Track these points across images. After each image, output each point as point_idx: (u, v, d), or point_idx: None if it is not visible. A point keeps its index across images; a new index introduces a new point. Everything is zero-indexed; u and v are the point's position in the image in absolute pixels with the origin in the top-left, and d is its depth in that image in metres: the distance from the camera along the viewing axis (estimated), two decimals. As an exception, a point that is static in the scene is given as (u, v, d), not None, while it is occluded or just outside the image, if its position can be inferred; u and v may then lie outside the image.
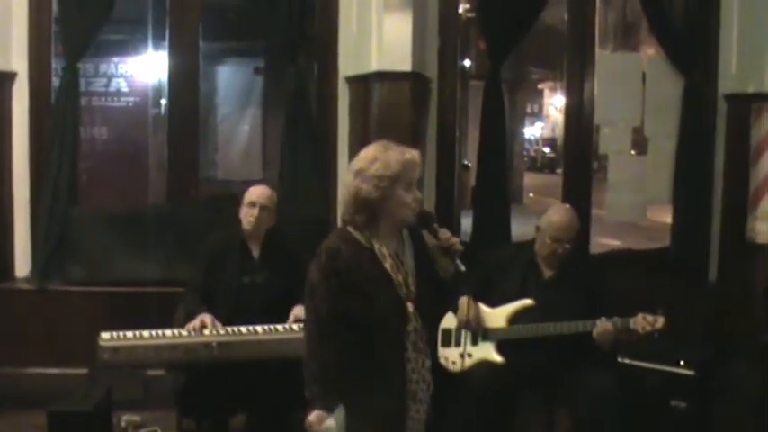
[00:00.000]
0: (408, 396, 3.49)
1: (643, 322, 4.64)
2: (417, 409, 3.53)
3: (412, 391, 3.50)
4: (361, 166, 3.44)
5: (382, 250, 3.46)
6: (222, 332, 4.88)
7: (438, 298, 3.64)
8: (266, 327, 4.97)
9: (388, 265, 3.46)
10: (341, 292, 3.39)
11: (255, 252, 5.27)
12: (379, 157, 3.43)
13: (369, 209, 3.43)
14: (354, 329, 3.40)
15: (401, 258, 3.52)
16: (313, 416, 3.40)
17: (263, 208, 5.19)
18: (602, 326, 4.71)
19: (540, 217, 5.17)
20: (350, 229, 3.49)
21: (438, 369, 5.04)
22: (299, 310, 5.06)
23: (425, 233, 3.58)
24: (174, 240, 6.11)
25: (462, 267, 3.44)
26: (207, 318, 4.94)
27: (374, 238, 3.47)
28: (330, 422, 3.35)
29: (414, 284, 3.50)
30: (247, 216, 5.19)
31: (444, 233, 3.50)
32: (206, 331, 4.88)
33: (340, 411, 3.37)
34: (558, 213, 5.09)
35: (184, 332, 4.90)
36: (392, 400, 3.45)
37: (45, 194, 6.28)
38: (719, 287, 6.41)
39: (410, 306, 3.48)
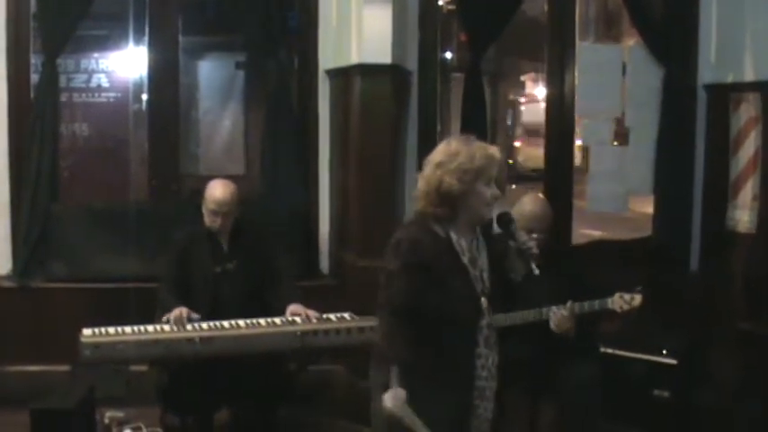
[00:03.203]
0: (476, 393, 3.49)
1: (620, 301, 4.64)
2: (485, 407, 3.53)
3: (480, 388, 3.50)
4: (442, 158, 3.45)
5: (461, 243, 3.46)
6: (205, 327, 4.88)
7: (506, 297, 3.64)
8: (249, 321, 4.98)
9: (465, 258, 3.46)
10: (420, 282, 3.38)
11: (224, 243, 5.30)
12: (462, 150, 3.44)
13: (450, 201, 3.42)
14: (428, 321, 3.38)
15: (476, 254, 3.51)
16: (390, 395, 3.29)
17: (225, 214, 5.20)
18: (556, 315, 4.71)
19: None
20: (429, 220, 3.48)
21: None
22: (294, 308, 5.07)
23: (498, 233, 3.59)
24: (156, 236, 6.08)
25: (537, 271, 3.48)
26: (184, 310, 4.95)
27: (452, 230, 3.46)
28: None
29: (488, 280, 3.51)
30: (211, 222, 5.23)
31: (522, 236, 3.54)
32: (188, 326, 4.88)
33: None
34: (530, 203, 5.08)
35: (167, 328, 4.89)
36: (460, 395, 3.45)
37: (25, 191, 6.24)
38: (701, 276, 6.43)
39: (484, 301, 3.48)
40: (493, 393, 3.56)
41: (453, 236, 3.45)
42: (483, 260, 3.53)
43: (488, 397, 3.53)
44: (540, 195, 5.26)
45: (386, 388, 3.32)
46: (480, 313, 3.47)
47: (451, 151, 3.44)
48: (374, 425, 3.57)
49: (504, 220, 3.58)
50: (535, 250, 3.51)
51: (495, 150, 3.46)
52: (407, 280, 3.37)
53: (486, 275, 3.51)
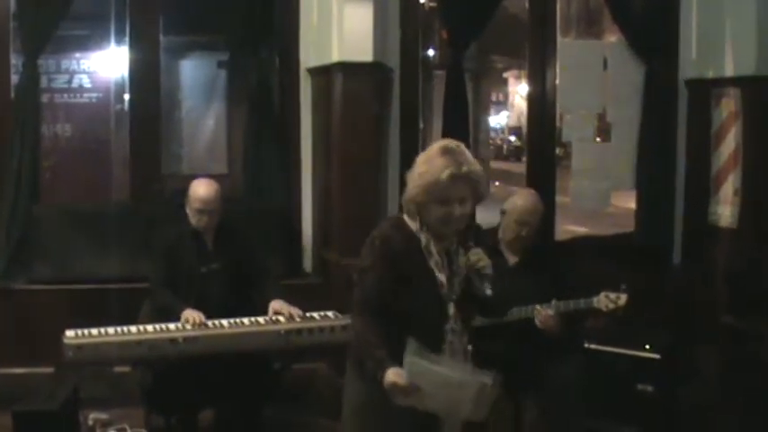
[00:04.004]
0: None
1: (606, 300, 4.67)
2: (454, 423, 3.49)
3: None
4: (418, 160, 3.42)
5: (429, 246, 3.41)
6: (188, 327, 4.87)
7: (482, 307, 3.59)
8: (232, 320, 4.97)
9: (432, 261, 3.41)
10: (390, 277, 3.36)
11: (209, 242, 5.30)
12: (422, 161, 3.39)
13: (414, 208, 3.40)
14: (395, 320, 3.35)
15: (453, 259, 3.46)
16: (391, 375, 3.21)
17: (210, 212, 5.20)
18: (541, 313, 4.73)
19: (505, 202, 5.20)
20: (406, 217, 3.46)
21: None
22: (276, 305, 5.07)
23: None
24: (139, 236, 6.06)
25: (488, 292, 3.37)
26: (194, 313, 4.94)
27: (425, 232, 3.42)
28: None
29: (460, 287, 3.45)
30: (197, 220, 5.24)
31: (474, 255, 3.40)
32: (171, 326, 4.87)
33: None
34: (522, 197, 5.14)
35: (150, 328, 4.88)
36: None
37: (6, 193, 6.21)
38: (683, 271, 6.46)
39: (451, 307, 3.43)
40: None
41: (423, 238, 3.41)
42: (457, 266, 3.46)
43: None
44: (532, 190, 5.29)
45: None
46: (445, 318, 3.42)
47: (420, 159, 3.41)
48: (344, 415, 3.58)
49: (461, 236, 3.48)
50: (488, 270, 3.41)
51: (463, 171, 3.31)
52: (379, 275, 3.37)
53: (458, 281, 3.45)
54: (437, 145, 3.42)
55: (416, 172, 3.37)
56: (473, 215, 3.64)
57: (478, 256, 3.38)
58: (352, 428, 3.56)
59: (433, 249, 3.41)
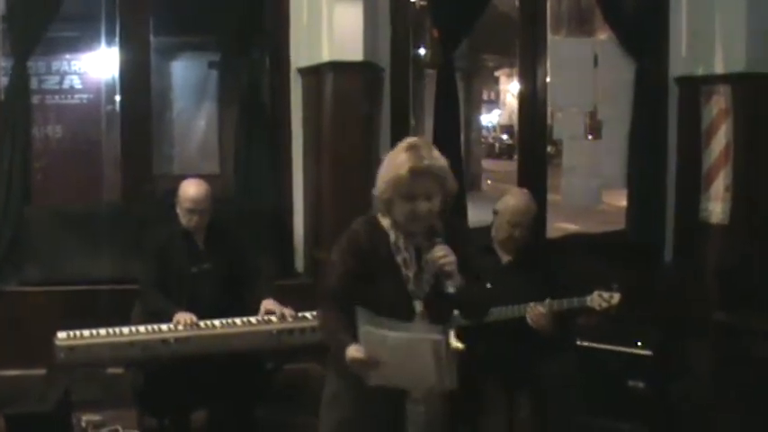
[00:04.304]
0: (407, 395, 3.44)
1: (599, 299, 4.68)
2: (419, 412, 3.46)
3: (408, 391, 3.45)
4: (385, 158, 3.43)
5: (398, 243, 3.43)
6: (180, 328, 4.86)
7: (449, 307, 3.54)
8: (224, 321, 4.96)
9: (400, 257, 3.42)
10: (356, 273, 3.40)
11: (200, 242, 5.29)
12: (388, 158, 3.40)
13: (383, 204, 3.41)
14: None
15: (423, 257, 3.43)
16: (351, 352, 3.27)
17: (201, 211, 5.19)
18: (533, 310, 4.74)
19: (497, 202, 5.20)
20: (378, 214, 3.48)
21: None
22: (269, 304, 5.07)
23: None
24: (130, 237, 6.05)
25: (450, 290, 3.31)
26: (186, 316, 4.93)
27: (395, 229, 3.43)
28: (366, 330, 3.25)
29: (429, 285, 3.43)
30: (187, 220, 5.22)
31: (437, 251, 3.33)
32: (163, 327, 4.86)
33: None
34: (515, 197, 5.12)
35: (141, 329, 4.87)
36: (389, 397, 3.40)
37: (-3, 195, 6.21)
38: (675, 268, 6.47)
39: (418, 304, 3.42)
40: (428, 395, 3.47)
41: (392, 235, 3.43)
42: (426, 263, 3.42)
43: (416, 399, 3.45)
44: (525, 190, 5.28)
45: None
46: (411, 315, 3.40)
47: (387, 157, 3.42)
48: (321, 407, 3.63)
49: (428, 233, 3.46)
50: (449, 268, 3.34)
51: (423, 165, 3.31)
52: (344, 270, 3.42)
53: (426, 279, 3.44)
54: (403, 142, 3.43)
55: (383, 169, 3.39)
56: (455, 211, 3.60)
57: (442, 252, 3.32)
58: (326, 420, 3.61)
59: (402, 246, 3.43)
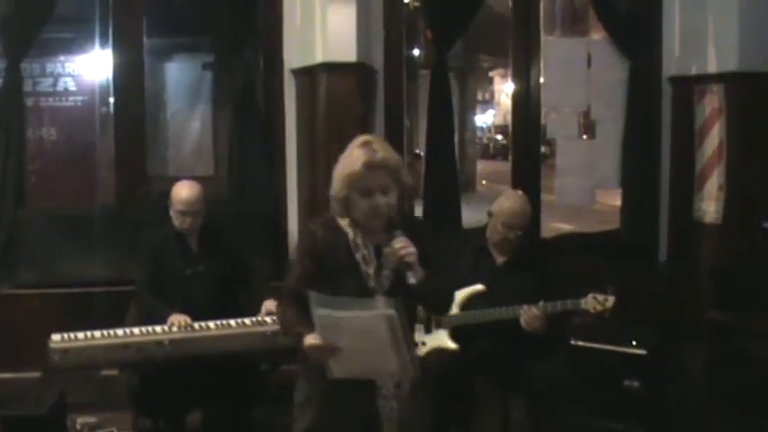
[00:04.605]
0: (377, 393, 3.47)
1: (594, 302, 4.69)
2: (391, 408, 3.49)
3: (377, 387, 3.47)
4: (339, 157, 3.46)
5: (357, 240, 3.45)
6: (174, 329, 4.86)
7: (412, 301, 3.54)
8: (218, 322, 4.95)
9: (359, 255, 3.45)
10: (314, 272, 3.42)
11: (194, 244, 5.28)
12: (343, 156, 3.44)
13: (339, 203, 3.44)
14: None
15: (383, 253, 3.46)
16: (308, 340, 3.32)
17: (194, 213, 5.19)
18: (527, 312, 4.75)
19: (492, 203, 5.20)
20: (335, 216, 3.50)
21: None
22: (270, 304, 5.06)
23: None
24: (124, 239, 6.05)
25: (412, 280, 3.33)
26: (180, 318, 4.93)
27: (354, 227, 3.46)
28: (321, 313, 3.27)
29: (389, 281, 3.45)
30: (180, 222, 5.21)
31: (397, 243, 3.34)
32: (158, 329, 4.86)
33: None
34: (509, 199, 5.12)
35: (136, 331, 4.86)
36: (360, 398, 3.44)
37: (-9, 198, 6.20)
38: (669, 267, 6.48)
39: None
40: (399, 393, 3.49)
41: (350, 232, 3.46)
42: (386, 259, 3.44)
43: (385, 395, 3.49)
44: (520, 192, 5.27)
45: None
46: None
47: (345, 153, 3.45)
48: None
49: (391, 224, 3.45)
50: (409, 259, 3.34)
51: (375, 160, 3.35)
52: (302, 271, 3.47)
53: (387, 275, 3.46)
54: (356, 140, 3.48)
55: (337, 168, 3.44)
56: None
57: (402, 243, 3.33)
58: (299, 426, 3.63)
59: (360, 243, 3.46)
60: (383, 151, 3.39)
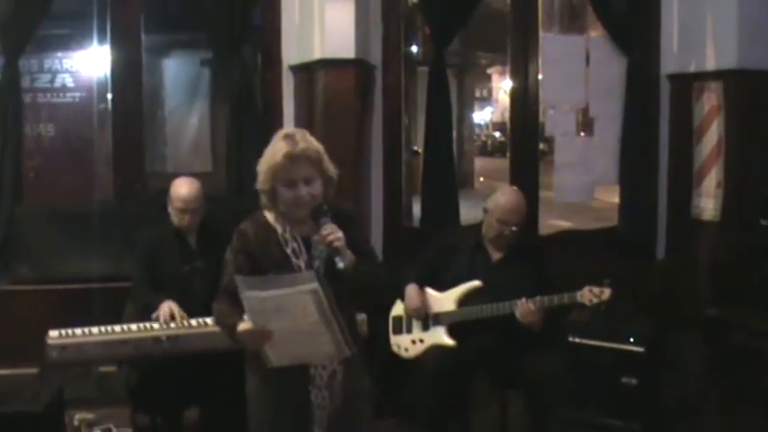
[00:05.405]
0: (309, 381, 3.51)
1: (590, 295, 4.70)
2: (323, 396, 3.52)
3: (311, 377, 3.51)
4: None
5: (285, 235, 3.50)
6: (172, 325, 4.87)
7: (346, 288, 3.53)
8: (216, 318, 4.95)
9: (289, 248, 3.49)
10: (247, 270, 3.46)
11: (192, 241, 5.29)
12: (268, 149, 3.48)
13: (266, 196, 3.50)
14: None
15: (312, 244, 3.51)
16: (241, 327, 3.41)
17: (192, 210, 5.20)
18: (523, 307, 4.75)
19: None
20: (264, 211, 3.56)
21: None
22: None
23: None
24: (122, 236, 6.04)
25: (340, 265, 3.35)
26: (173, 305, 4.95)
27: (282, 221, 3.52)
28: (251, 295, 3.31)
29: (321, 271, 3.46)
30: (179, 219, 5.22)
31: (324, 229, 3.39)
32: (155, 325, 4.86)
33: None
34: (505, 195, 5.12)
35: (134, 327, 4.87)
36: (293, 384, 3.49)
37: (-11, 194, 6.19)
38: (667, 264, 6.49)
39: None
40: (333, 383, 3.53)
41: (279, 227, 3.51)
42: (319, 252, 3.50)
43: (319, 386, 3.53)
44: (515, 188, 5.28)
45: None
46: None
47: (268, 148, 3.50)
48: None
49: (317, 212, 3.46)
50: (337, 244, 3.36)
51: (295, 151, 3.40)
52: (235, 268, 3.50)
53: (317, 266, 3.49)
54: (278, 133, 3.54)
55: (261, 161, 3.49)
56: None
57: (329, 230, 3.38)
58: (252, 419, 3.69)
59: (289, 236, 3.51)
60: (304, 142, 3.44)
